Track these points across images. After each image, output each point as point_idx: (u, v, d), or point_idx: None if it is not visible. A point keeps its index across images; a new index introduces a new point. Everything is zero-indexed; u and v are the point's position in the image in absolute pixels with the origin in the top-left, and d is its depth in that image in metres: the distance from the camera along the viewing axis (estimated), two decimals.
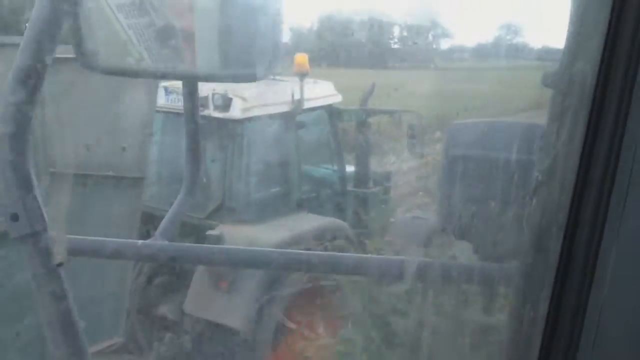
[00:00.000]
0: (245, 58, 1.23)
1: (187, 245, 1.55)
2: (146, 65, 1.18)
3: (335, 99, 6.03)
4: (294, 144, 5.78)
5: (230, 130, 5.38)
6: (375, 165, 6.42)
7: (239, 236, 4.98)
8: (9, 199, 1.08)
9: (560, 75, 0.95)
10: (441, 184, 1.26)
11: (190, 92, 1.57)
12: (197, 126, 1.68)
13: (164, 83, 5.14)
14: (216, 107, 5.21)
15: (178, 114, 5.33)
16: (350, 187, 6.22)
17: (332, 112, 6.06)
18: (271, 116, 5.51)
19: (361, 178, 6.28)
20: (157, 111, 5.21)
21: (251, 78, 1.28)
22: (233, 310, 4.92)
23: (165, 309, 5.18)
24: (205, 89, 5.04)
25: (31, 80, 1.07)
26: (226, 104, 5.17)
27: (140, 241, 1.46)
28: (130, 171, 4.56)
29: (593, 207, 0.88)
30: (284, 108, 5.46)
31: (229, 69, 1.27)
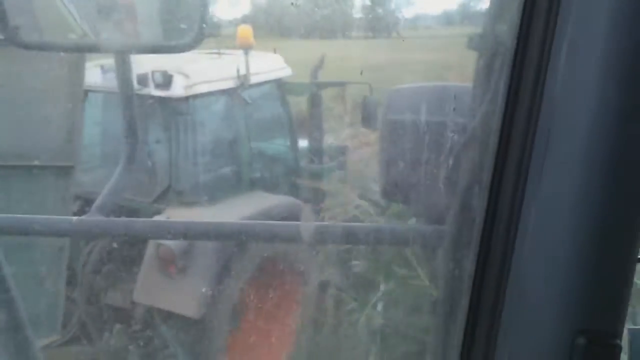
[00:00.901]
0: (181, 28, 1.28)
1: (122, 219, 1.59)
2: (88, 40, 1.21)
3: (285, 72, 6.06)
4: (243, 121, 5.79)
5: (173, 109, 5.36)
6: (329, 140, 6.49)
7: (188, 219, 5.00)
8: None
9: (483, 38, 1.03)
10: (381, 149, 1.34)
11: (124, 67, 1.60)
12: (132, 101, 1.72)
13: (100, 62, 5.08)
14: (157, 86, 5.18)
15: (116, 93, 5.30)
16: (304, 163, 6.28)
17: (281, 86, 6.08)
18: (216, 93, 5.50)
19: (315, 153, 6.34)
20: (95, 91, 5.17)
21: (188, 47, 1.33)
22: (184, 297, 4.95)
23: (115, 298, 5.18)
24: (144, 66, 5.01)
25: None
26: (167, 81, 5.15)
27: (74, 217, 1.49)
28: (58, 159, 4.49)
29: (515, 166, 0.96)
30: (230, 84, 5.46)
31: (167, 39, 1.32)
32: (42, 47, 1.28)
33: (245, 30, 5.31)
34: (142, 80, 5.10)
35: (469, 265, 1.00)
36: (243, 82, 5.44)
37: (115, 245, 4.92)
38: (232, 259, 4.96)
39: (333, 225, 1.25)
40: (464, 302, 1.00)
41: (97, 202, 1.55)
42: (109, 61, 5.07)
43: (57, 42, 1.28)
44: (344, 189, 6.34)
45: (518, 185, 0.96)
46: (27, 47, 1.20)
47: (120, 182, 1.62)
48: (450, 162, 1.11)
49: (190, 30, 1.23)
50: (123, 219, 1.59)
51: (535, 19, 0.96)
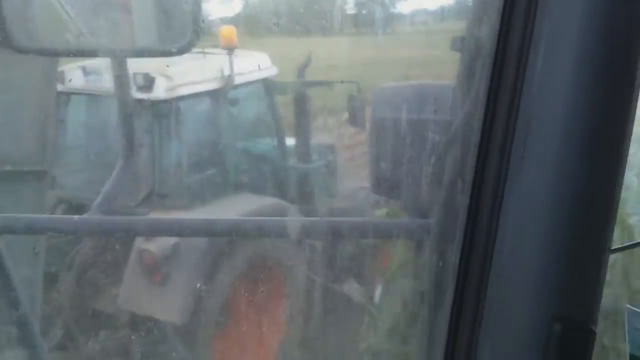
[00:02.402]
0: (176, 31, 1.35)
1: (124, 217, 1.67)
2: (84, 41, 1.27)
3: (271, 71, 6.13)
4: (228, 122, 5.86)
5: (156, 112, 5.41)
6: (318, 139, 6.57)
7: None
8: None
9: (465, 40, 1.12)
10: (370, 146, 1.43)
11: (120, 70, 1.67)
12: (128, 102, 1.79)
13: (80, 62, 5.13)
14: (139, 88, 5.22)
15: (100, 95, 5.38)
16: (292, 163, 6.35)
17: (267, 86, 6.15)
18: (200, 94, 5.56)
19: (303, 152, 6.40)
20: (77, 94, 5.23)
21: (183, 50, 1.41)
22: (168, 303, 5.00)
23: (100, 304, 5.23)
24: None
25: None
26: (149, 83, 5.18)
27: (76, 216, 1.57)
28: (31, 164, 4.51)
29: (496, 163, 1.05)
30: (214, 85, 5.52)
31: (162, 43, 1.39)
32: (39, 52, 1.35)
33: (229, 31, 5.36)
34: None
35: (453, 258, 1.09)
36: (227, 83, 5.50)
37: (99, 249, 4.97)
38: (216, 264, 5.03)
39: (318, 221, 1.33)
40: (449, 292, 1.09)
41: (97, 201, 1.63)
42: (91, 63, 5.14)
43: (54, 47, 1.35)
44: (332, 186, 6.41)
45: (499, 181, 1.05)
46: (24, 51, 1.27)
47: (119, 181, 1.70)
48: (435, 158, 1.20)
49: (185, 33, 1.30)
50: (123, 217, 1.68)
51: (513, 22, 1.05)
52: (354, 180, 6.20)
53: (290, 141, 6.37)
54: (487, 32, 1.10)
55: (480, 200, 1.07)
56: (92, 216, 1.58)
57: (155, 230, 1.80)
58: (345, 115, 5.96)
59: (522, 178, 1.03)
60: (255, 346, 4.92)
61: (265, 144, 6.38)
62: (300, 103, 6.24)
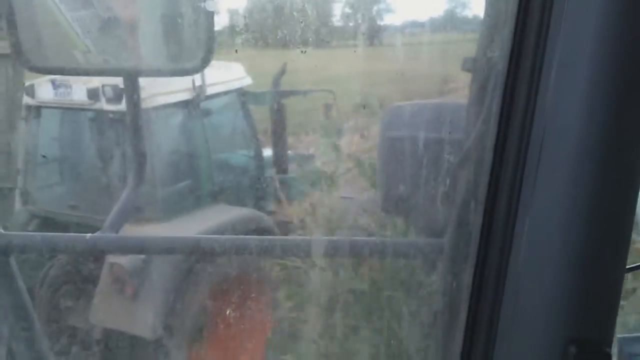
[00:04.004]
0: (186, 50, 1.35)
1: (136, 236, 1.68)
2: (91, 59, 1.26)
3: (245, 81, 6.12)
4: (202, 133, 5.82)
5: (126, 124, 5.35)
6: (295, 148, 6.56)
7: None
8: None
9: (476, 60, 1.12)
10: (379, 164, 1.43)
11: (131, 86, 1.65)
12: (139, 119, 1.78)
13: (51, 76, 5.07)
14: (108, 100, 5.18)
15: (69, 108, 5.32)
16: (269, 173, 6.32)
17: (242, 96, 6.14)
18: (171, 105, 5.51)
19: (280, 163, 6.38)
20: (46, 107, 5.17)
21: (193, 70, 1.41)
22: (140, 318, 4.95)
23: (73, 319, 5.15)
24: (95, 80, 5.02)
25: None
26: (118, 95, 5.12)
27: (89, 235, 1.58)
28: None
29: (509, 183, 1.06)
30: (186, 95, 5.49)
31: (171, 61, 1.39)
32: (52, 71, 1.35)
33: None
34: (93, 94, 5.11)
35: (466, 278, 1.09)
36: (199, 94, 5.47)
37: (71, 264, 4.91)
38: (187, 277, 4.99)
39: (326, 240, 1.33)
40: (463, 312, 1.09)
41: (108, 219, 1.64)
42: (59, 77, 5.08)
43: (65, 66, 1.34)
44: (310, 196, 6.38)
45: (512, 201, 1.05)
46: (37, 70, 1.27)
47: (129, 199, 1.69)
48: (448, 178, 1.20)
49: (198, 51, 1.30)
50: (134, 236, 1.68)
51: (525, 43, 1.06)
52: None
53: (267, 152, 6.35)
54: (499, 53, 1.11)
55: (493, 220, 1.07)
56: (104, 235, 1.59)
57: (169, 249, 1.80)
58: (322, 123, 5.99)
59: (535, 198, 1.03)
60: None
61: (242, 154, 6.35)
62: (276, 113, 6.23)
